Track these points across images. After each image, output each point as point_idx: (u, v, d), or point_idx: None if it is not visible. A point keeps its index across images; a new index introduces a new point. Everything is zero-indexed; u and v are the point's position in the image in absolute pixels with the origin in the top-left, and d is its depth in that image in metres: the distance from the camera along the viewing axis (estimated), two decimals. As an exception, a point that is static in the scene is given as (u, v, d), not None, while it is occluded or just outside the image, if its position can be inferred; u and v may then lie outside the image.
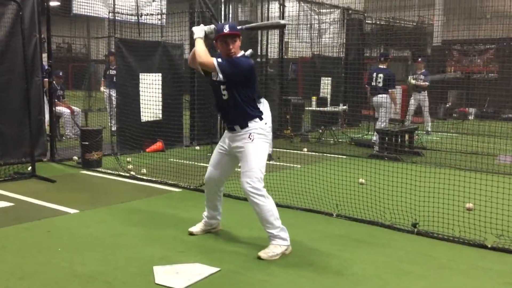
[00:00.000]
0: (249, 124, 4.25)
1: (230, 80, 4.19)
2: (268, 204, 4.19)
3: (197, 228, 4.80)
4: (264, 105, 8.83)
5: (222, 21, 10.80)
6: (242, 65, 4.20)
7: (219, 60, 4.18)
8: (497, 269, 4.07)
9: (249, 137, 4.24)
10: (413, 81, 12.29)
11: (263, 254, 4.17)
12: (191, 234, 4.76)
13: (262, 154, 4.26)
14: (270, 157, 8.69)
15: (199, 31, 4.24)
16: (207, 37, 4.28)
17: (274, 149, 9.13)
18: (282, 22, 4.55)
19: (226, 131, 4.48)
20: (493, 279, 3.90)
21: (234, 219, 5.17)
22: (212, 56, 4.20)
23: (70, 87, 17.41)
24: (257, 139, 4.24)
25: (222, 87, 4.26)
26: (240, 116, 4.26)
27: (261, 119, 4.31)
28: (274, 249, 4.20)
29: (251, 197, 4.18)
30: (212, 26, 4.31)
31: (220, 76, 4.16)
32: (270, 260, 4.14)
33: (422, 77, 12.46)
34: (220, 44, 4.24)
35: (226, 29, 4.19)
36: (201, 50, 4.16)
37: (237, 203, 5.78)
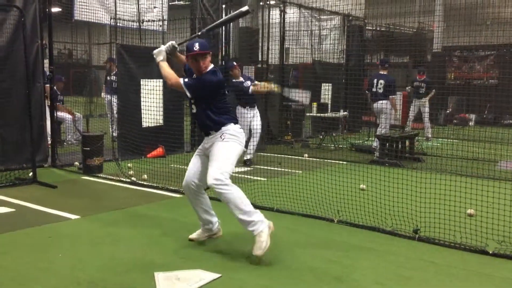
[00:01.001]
0: (222, 127, 4.42)
1: (199, 96, 4.44)
2: (233, 191, 4.19)
3: (196, 235, 4.78)
4: (255, 114, 8.91)
5: (223, 27, 10.84)
6: (209, 82, 4.40)
7: (186, 80, 4.41)
8: (499, 276, 4.07)
9: (220, 136, 4.40)
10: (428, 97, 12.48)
11: (256, 251, 4.14)
12: (191, 240, 4.76)
13: (230, 152, 4.36)
14: (249, 163, 8.72)
15: (159, 53, 4.50)
16: (170, 55, 4.56)
17: (274, 154, 9.14)
18: (244, 9, 4.56)
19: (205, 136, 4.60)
20: (495, 286, 3.90)
21: (234, 225, 5.16)
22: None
23: (71, 93, 17.43)
24: (227, 139, 4.39)
25: (191, 101, 4.51)
26: (212, 124, 4.44)
27: (235, 123, 4.50)
28: (260, 239, 4.16)
29: (215, 188, 4.20)
30: (171, 43, 4.55)
31: (188, 94, 4.40)
32: (266, 250, 4.12)
33: (423, 85, 12.51)
34: (191, 61, 4.42)
35: (196, 47, 4.35)
36: (167, 74, 4.46)
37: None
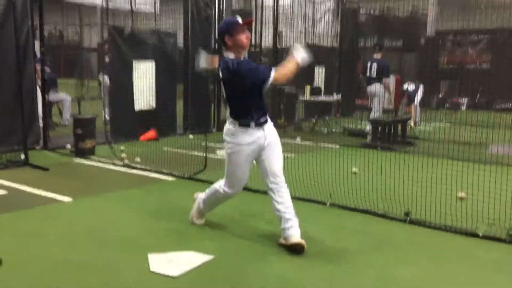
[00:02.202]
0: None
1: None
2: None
3: (202, 220, 4.74)
4: None
5: (217, 9, 10.76)
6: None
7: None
8: (489, 258, 4.12)
9: (274, 129, 4.31)
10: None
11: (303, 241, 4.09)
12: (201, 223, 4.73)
13: (228, 162, 4.27)
14: None
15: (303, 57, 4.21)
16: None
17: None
18: None
19: (257, 128, 4.19)
20: (485, 268, 3.95)
21: (232, 210, 5.18)
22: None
23: (62, 75, 17.27)
24: (227, 148, 4.23)
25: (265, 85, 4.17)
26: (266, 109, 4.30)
27: (239, 124, 4.14)
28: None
29: (284, 181, 4.25)
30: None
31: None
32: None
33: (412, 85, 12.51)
34: (245, 35, 4.11)
35: (238, 18, 4.12)
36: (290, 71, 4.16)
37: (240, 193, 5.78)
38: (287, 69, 4.12)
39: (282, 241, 4.18)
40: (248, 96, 4.07)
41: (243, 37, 4.08)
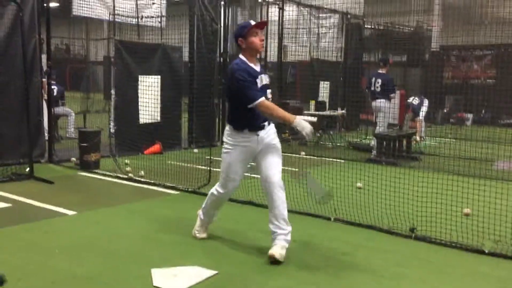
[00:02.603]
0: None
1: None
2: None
3: (204, 234, 4.74)
4: None
5: (222, 24, 10.83)
6: None
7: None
8: (495, 275, 4.09)
9: (274, 133, 4.44)
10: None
11: (277, 255, 4.10)
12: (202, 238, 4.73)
13: (223, 163, 4.36)
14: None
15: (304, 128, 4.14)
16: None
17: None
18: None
19: (253, 134, 4.28)
20: (491, 285, 3.92)
21: (235, 223, 5.18)
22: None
23: (69, 89, 17.38)
24: (223, 149, 4.35)
25: (268, 91, 4.36)
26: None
27: (234, 127, 4.28)
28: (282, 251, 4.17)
29: (280, 189, 4.24)
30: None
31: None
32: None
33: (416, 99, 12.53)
34: (258, 37, 4.20)
35: (253, 22, 4.24)
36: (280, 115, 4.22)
37: (239, 206, 5.79)
38: (276, 112, 4.19)
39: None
40: (240, 102, 4.15)
41: (256, 40, 4.18)
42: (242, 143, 4.22)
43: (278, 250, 4.11)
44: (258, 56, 4.31)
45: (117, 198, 6.32)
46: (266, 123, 4.28)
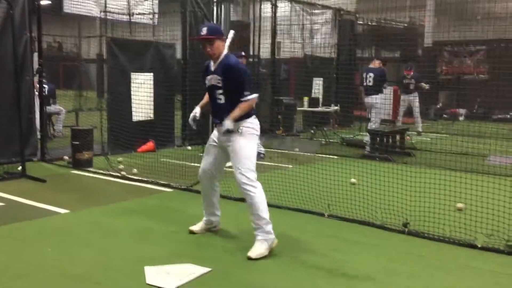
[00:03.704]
0: (239, 119, 4.33)
1: (231, 86, 4.32)
2: (258, 196, 4.25)
3: (197, 227, 4.81)
4: None
5: (215, 21, 10.80)
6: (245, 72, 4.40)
7: (246, 92, 4.28)
8: (487, 269, 4.10)
9: (238, 130, 4.30)
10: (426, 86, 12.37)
11: (251, 254, 4.19)
12: (191, 232, 4.76)
13: (252, 146, 4.35)
14: (259, 156, 8.73)
15: (229, 124, 4.26)
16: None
17: (265, 149, 9.15)
18: None
19: (216, 125, 4.51)
20: (484, 279, 3.93)
21: (228, 220, 5.16)
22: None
23: (61, 87, 17.29)
24: (245, 132, 4.32)
25: (218, 91, 4.37)
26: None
27: (250, 115, 4.38)
28: (260, 246, 4.23)
29: (244, 187, 4.24)
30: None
31: (255, 95, 4.35)
32: (260, 257, 4.16)
33: (413, 81, 12.54)
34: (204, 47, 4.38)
35: (203, 31, 4.34)
36: (242, 111, 4.28)
37: (233, 203, 5.77)
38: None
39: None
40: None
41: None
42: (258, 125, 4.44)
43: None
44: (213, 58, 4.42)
45: (110, 196, 6.29)
46: (223, 119, 4.36)
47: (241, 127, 4.30)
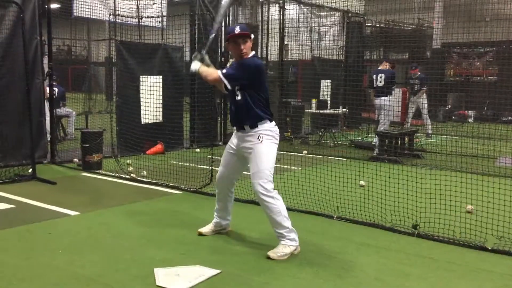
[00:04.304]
0: (258, 125, 4.28)
1: (240, 84, 4.27)
2: (277, 205, 4.21)
3: (206, 228, 4.83)
4: None
5: (223, 23, 10.84)
6: (248, 67, 4.26)
7: (224, 71, 4.29)
8: (498, 271, 4.08)
9: (258, 138, 4.27)
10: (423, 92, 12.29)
11: (272, 253, 4.20)
12: (200, 234, 4.78)
13: (271, 155, 4.29)
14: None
15: (195, 65, 4.35)
16: (202, 60, 4.41)
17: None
18: None
19: (235, 131, 4.48)
20: (494, 281, 3.91)
21: (238, 222, 5.17)
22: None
23: (70, 89, 17.41)
24: (266, 140, 4.27)
25: (236, 88, 4.31)
26: (250, 117, 4.29)
27: (270, 120, 4.36)
28: (283, 249, 4.22)
29: (261, 198, 4.21)
30: (204, 52, 4.44)
31: (228, 86, 4.25)
32: (279, 259, 4.17)
33: (417, 81, 12.48)
34: (231, 45, 4.31)
35: (237, 30, 4.27)
36: (206, 73, 4.33)
37: (242, 206, 5.78)
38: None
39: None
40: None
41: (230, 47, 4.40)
42: (278, 131, 4.44)
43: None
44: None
45: (120, 199, 6.32)
46: (243, 125, 4.38)
47: (261, 135, 4.26)
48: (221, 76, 4.24)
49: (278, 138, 4.42)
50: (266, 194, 4.19)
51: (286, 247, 4.23)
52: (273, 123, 4.39)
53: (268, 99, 4.41)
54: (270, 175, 4.22)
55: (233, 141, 4.48)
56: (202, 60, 4.40)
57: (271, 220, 4.25)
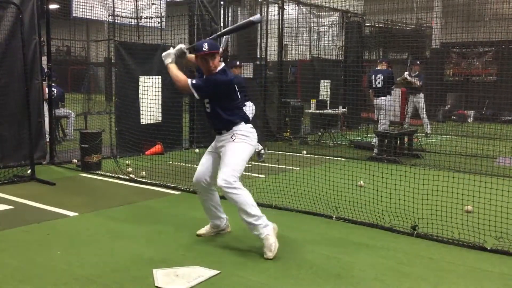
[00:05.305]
0: (234, 127, 4.42)
1: (208, 96, 4.43)
2: (241, 194, 4.26)
3: (204, 230, 4.84)
4: (248, 108, 8.89)
5: (222, 24, 10.85)
6: (218, 82, 4.38)
7: (193, 81, 4.38)
8: (497, 271, 4.08)
9: (231, 137, 4.40)
10: (408, 77, 12.19)
11: (267, 253, 4.21)
12: (199, 236, 4.78)
13: (241, 153, 4.38)
14: (259, 155, 8.74)
15: (168, 56, 4.50)
16: (180, 57, 4.53)
17: (273, 151, 9.14)
18: (255, 19, 4.60)
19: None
20: (493, 282, 3.91)
21: (236, 222, 5.17)
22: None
23: (69, 90, 17.39)
24: (238, 139, 4.39)
25: (205, 100, 4.48)
26: (224, 123, 4.44)
27: (246, 122, 4.48)
28: (268, 241, 4.25)
29: (224, 190, 4.26)
30: (180, 47, 4.53)
31: (196, 95, 4.38)
32: (275, 253, 4.20)
33: (416, 79, 12.48)
34: (200, 62, 4.42)
35: (205, 47, 4.33)
36: (175, 76, 4.44)
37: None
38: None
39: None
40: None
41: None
42: (254, 134, 4.50)
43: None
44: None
45: (119, 199, 6.32)
46: (222, 128, 4.50)
47: (235, 135, 4.39)
48: (191, 85, 4.35)
49: (254, 139, 4.51)
50: (228, 186, 4.23)
51: (268, 238, 4.26)
52: (249, 125, 4.49)
53: (240, 104, 4.57)
54: (235, 171, 4.29)
55: (213, 143, 4.64)
56: (180, 56, 4.52)
57: (239, 211, 4.29)
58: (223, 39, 4.93)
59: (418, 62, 12.71)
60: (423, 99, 12.43)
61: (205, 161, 4.62)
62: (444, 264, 4.22)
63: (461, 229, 4.75)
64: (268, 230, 4.28)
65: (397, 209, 5.34)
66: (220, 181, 4.25)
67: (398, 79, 12.26)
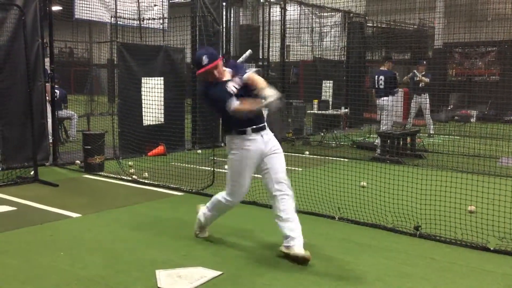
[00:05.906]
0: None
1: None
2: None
3: (207, 233, 4.82)
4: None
5: (224, 25, 10.85)
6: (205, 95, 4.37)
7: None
8: (500, 272, 4.07)
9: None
10: (419, 75, 12.16)
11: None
12: (197, 236, 4.80)
13: (229, 169, 4.35)
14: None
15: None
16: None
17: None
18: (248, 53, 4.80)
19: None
20: (496, 282, 3.90)
21: (240, 223, 5.18)
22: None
23: (72, 92, 17.44)
24: (229, 155, 4.34)
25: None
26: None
27: (236, 132, 4.22)
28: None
29: (288, 192, 4.30)
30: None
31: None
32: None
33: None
34: (205, 75, 4.21)
35: (205, 60, 4.13)
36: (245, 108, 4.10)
37: (244, 207, 5.76)
38: (246, 108, 4.06)
39: (284, 249, 4.20)
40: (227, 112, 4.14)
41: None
42: (249, 145, 4.19)
43: None
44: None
45: (121, 200, 6.33)
46: (265, 125, 4.29)
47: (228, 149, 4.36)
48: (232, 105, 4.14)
49: (238, 147, 4.23)
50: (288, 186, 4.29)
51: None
52: (234, 135, 4.23)
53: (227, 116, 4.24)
54: (228, 188, 4.37)
55: (252, 147, 4.29)
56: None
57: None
58: (244, 55, 4.86)
59: (424, 62, 12.68)
60: (428, 100, 12.40)
61: (249, 176, 4.38)
62: (446, 265, 4.21)
63: (464, 230, 4.74)
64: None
65: (400, 210, 5.33)
66: (287, 182, 4.29)
67: (404, 78, 12.26)
